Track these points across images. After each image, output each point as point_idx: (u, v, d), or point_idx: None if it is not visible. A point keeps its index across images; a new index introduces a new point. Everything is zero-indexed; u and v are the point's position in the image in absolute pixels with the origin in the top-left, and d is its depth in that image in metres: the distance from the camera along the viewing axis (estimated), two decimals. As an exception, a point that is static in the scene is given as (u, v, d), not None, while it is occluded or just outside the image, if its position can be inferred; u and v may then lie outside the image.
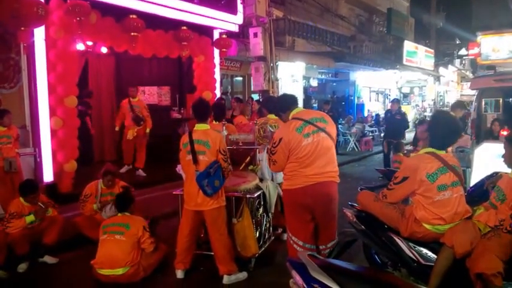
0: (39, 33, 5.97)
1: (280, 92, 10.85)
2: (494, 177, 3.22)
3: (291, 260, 2.46)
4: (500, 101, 8.26)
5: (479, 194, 3.21)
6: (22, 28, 5.61)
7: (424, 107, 23.58)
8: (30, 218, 4.48)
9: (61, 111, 6.27)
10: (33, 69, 6.11)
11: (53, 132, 6.26)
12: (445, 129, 3.01)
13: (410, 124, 19.02)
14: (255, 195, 4.34)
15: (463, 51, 27.21)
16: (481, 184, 3.37)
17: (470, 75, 27.76)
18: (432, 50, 23.23)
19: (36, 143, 6.25)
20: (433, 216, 2.89)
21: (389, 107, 11.34)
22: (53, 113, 6.22)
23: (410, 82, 23.74)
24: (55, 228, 4.68)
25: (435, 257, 2.89)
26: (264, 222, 4.63)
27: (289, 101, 3.78)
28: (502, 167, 3.01)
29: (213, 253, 4.08)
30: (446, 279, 2.81)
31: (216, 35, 9.23)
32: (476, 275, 2.66)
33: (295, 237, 3.65)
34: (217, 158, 3.88)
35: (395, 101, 10.69)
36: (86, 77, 8.85)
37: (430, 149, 3.01)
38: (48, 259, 4.58)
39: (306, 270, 2.24)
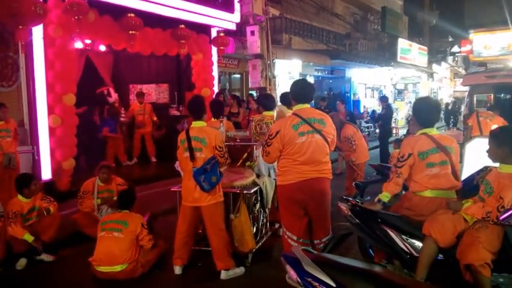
0: (38, 32, 5.98)
1: (278, 90, 10.96)
2: (484, 171, 3.29)
3: (285, 254, 2.45)
4: (492, 96, 8.39)
5: (469, 188, 3.27)
6: (20, 27, 5.60)
7: (418, 103, 23.69)
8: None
9: (59, 109, 6.28)
10: (31, 68, 6.13)
11: (51, 130, 6.26)
12: (427, 108, 3.36)
13: (403, 120, 19.24)
14: (252, 191, 4.38)
15: (455, 49, 27.43)
16: (471, 178, 3.44)
17: (463, 72, 27.91)
18: (426, 48, 23.32)
19: (34, 141, 6.27)
20: (424, 183, 3.18)
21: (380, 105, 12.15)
22: (51, 111, 6.23)
23: (405, 79, 23.88)
24: (53, 226, 4.71)
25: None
26: (261, 218, 4.68)
27: (306, 97, 3.66)
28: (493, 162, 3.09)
29: (210, 249, 4.10)
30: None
31: (213, 33, 9.25)
32: (465, 266, 2.73)
33: (289, 232, 3.66)
34: (213, 154, 3.93)
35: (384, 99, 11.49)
36: (84, 76, 8.85)
37: (423, 130, 3.26)
38: (45, 257, 4.57)
39: (300, 264, 2.25)
